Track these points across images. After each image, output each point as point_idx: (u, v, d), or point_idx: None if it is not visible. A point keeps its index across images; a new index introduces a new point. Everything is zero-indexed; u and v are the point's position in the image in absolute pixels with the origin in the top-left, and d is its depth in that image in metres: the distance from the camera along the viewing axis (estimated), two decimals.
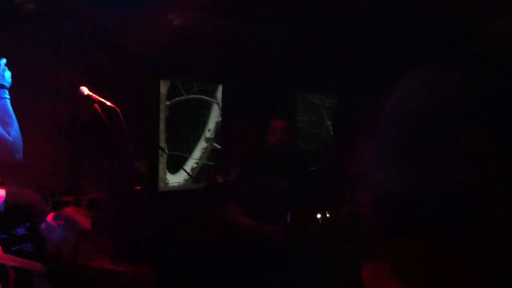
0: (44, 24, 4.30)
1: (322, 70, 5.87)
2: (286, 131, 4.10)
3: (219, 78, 6.39)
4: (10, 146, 2.24)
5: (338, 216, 3.77)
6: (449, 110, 1.20)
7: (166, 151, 6.09)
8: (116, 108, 3.46)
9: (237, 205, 3.89)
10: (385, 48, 4.40)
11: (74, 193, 4.76)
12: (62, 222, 3.52)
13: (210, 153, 6.63)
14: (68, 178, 4.92)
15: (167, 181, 6.29)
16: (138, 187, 4.59)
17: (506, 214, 1.14)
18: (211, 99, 6.64)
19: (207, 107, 6.63)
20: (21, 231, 3.48)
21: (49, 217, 3.56)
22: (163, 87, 6.19)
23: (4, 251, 3.37)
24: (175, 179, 6.32)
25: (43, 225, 3.53)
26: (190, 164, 6.50)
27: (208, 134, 6.66)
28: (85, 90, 3.42)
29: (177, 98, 6.38)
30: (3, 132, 2.21)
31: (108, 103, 3.48)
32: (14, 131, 2.27)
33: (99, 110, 3.50)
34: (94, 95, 3.44)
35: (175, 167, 6.24)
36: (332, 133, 7.38)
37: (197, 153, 6.60)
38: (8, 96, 2.36)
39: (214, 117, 6.67)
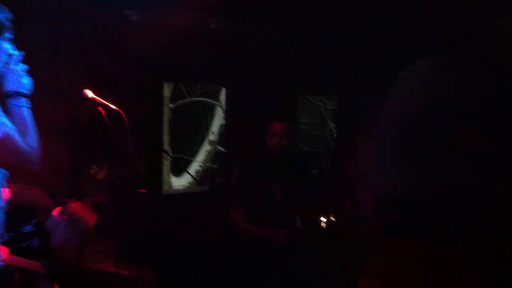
0: (45, 24, 4.31)
1: (324, 71, 5.87)
2: (285, 133, 4.08)
3: (222, 81, 6.39)
4: (26, 156, 2.23)
5: (341, 217, 3.77)
6: (449, 110, 1.20)
7: (170, 154, 6.09)
8: (120, 111, 3.47)
9: (239, 208, 3.88)
10: (386, 48, 4.40)
11: (76, 196, 4.76)
12: (66, 217, 3.51)
13: (214, 156, 6.63)
14: (69, 181, 4.93)
15: (171, 183, 6.29)
16: (142, 190, 4.60)
17: (506, 214, 1.14)
18: (215, 102, 6.65)
19: (211, 110, 6.63)
20: (28, 228, 3.50)
21: (55, 212, 3.55)
22: (167, 90, 6.20)
23: (13, 249, 3.38)
24: (179, 182, 6.33)
25: (48, 220, 3.53)
26: (194, 167, 6.50)
27: (211, 136, 6.66)
28: (89, 93, 3.43)
29: (181, 101, 6.38)
30: (20, 142, 2.20)
31: (112, 106, 3.49)
32: (32, 141, 2.26)
33: (103, 113, 3.50)
34: (98, 98, 3.44)
35: (179, 170, 6.24)
36: (335, 135, 7.37)
37: (201, 156, 6.60)
38: (26, 105, 2.34)
39: (218, 119, 6.67)
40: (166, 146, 6.11)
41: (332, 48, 5.52)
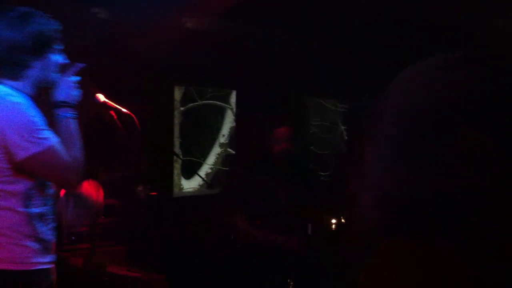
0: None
1: (334, 74, 5.87)
2: (290, 138, 4.01)
3: (232, 84, 6.41)
4: (69, 168, 2.25)
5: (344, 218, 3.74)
6: (449, 110, 1.20)
7: (181, 157, 6.11)
8: (132, 115, 3.48)
9: (246, 213, 3.85)
10: (398, 52, 4.39)
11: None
12: (73, 197, 3.54)
13: (224, 159, 6.65)
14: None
15: (181, 186, 6.32)
16: (153, 193, 4.62)
17: (506, 214, 1.14)
18: (225, 105, 6.67)
19: (221, 113, 6.66)
20: None
21: (61, 193, 3.58)
22: (177, 93, 6.23)
23: None
24: (190, 185, 6.35)
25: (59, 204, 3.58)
26: (204, 170, 6.53)
27: (222, 139, 6.68)
28: (101, 97, 3.45)
29: (191, 104, 6.41)
30: (64, 155, 2.22)
31: (124, 110, 3.50)
32: (76, 152, 2.28)
33: (115, 117, 3.52)
34: (110, 102, 3.46)
35: (189, 172, 6.27)
36: (346, 137, 7.37)
37: (211, 159, 6.63)
38: (73, 115, 2.37)
39: (228, 122, 6.69)
40: (177, 149, 6.14)
41: (343, 50, 5.52)
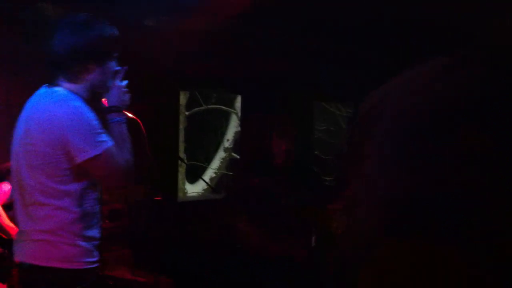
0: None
1: (339, 78, 5.86)
2: (291, 149, 3.91)
3: (237, 88, 6.42)
4: (122, 170, 2.32)
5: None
6: (449, 110, 1.20)
7: (185, 161, 6.12)
8: (138, 119, 3.49)
9: (250, 220, 3.83)
10: (398, 52, 4.38)
11: None
12: None
13: (228, 163, 6.65)
14: None
15: (186, 191, 6.32)
16: (158, 198, 4.61)
17: (506, 214, 1.14)
18: (230, 109, 6.68)
19: (226, 117, 6.67)
20: None
21: None
22: (183, 98, 6.25)
23: None
24: (194, 189, 6.35)
25: None
26: (208, 174, 6.53)
27: (226, 144, 6.69)
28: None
29: (196, 109, 6.42)
30: (118, 157, 2.29)
31: (130, 115, 3.51)
32: (127, 155, 2.35)
33: None
34: None
35: (194, 177, 6.27)
36: (348, 141, 7.34)
37: (215, 163, 6.63)
38: (124, 119, 2.45)
39: (233, 127, 6.70)
40: (182, 153, 6.15)
41: (347, 53, 5.51)
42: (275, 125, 4.00)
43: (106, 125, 2.39)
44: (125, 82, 2.49)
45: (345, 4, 4.21)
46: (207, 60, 5.32)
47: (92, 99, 2.38)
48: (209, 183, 6.09)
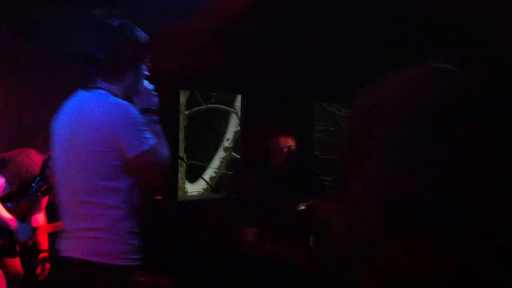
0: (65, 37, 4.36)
1: (339, 78, 5.86)
2: (291, 149, 3.89)
3: (237, 88, 6.41)
4: (165, 165, 2.44)
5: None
6: (449, 110, 1.20)
7: (185, 160, 6.12)
8: None
9: (250, 222, 3.81)
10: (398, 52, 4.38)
11: None
12: None
13: (228, 163, 6.65)
14: None
15: (186, 190, 6.32)
16: (158, 197, 4.62)
17: (506, 214, 1.14)
18: (230, 109, 6.68)
19: (226, 117, 6.67)
20: (35, 185, 3.65)
21: (51, 161, 3.71)
22: (183, 97, 6.25)
23: (31, 204, 3.81)
24: (194, 188, 6.36)
25: (47, 169, 3.69)
26: (208, 174, 6.54)
27: (226, 143, 6.69)
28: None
29: (196, 108, 6.43)
30: (161, 152, 2.40)
31: None
32: (167, 152, 2.46)
33: None
34: None
35: (194, 176, 6.28)
36: (348, 141, 7.33)
37: (215, 162, 6.64)
38: (157, 119, 2.57)
39: (233, 126, 6.70)
40: (182, 153, 6.14)
41: (348, 53, 5.51)
42: (275, 125, 3.98)
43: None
44: (152, 86, 2.63)
45: (345, 4, 4.20)
46: (207, 60, 5.32)
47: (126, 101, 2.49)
48: (209, 183, 6.10)
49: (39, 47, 4.30)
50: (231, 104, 6.65)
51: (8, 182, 3.57)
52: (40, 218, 4.03)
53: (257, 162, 3.87)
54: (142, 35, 2.51)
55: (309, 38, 5.36)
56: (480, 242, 1.14)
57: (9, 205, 3.70)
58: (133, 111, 2.35)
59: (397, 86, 1.28)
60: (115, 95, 2.41)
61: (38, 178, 3.72)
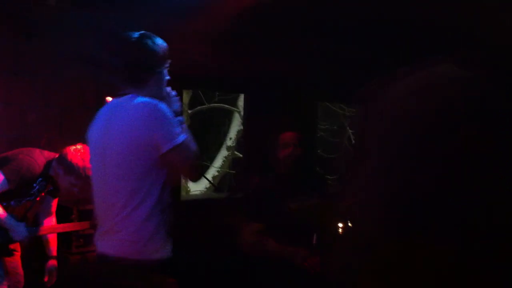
0: (70, 37, 4.36)
1: (342, 78, 5.85)
2: (297, 143, 3.94)
3: (240, 87, 6.41)
4: (195, 159, 2.61)
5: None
6: (449, 110, 1.19)
7: None
8: None
9: (254, 221, 3.81)
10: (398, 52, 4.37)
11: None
12: (63, 167, 3.69)
13: (231, 162, 6.65)
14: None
15: (188, 189, 6.33)
16: None
17: (506, 214, 1.14)
18: (232, 108, 6.68)
19: (228, 116, 6.67)
20: (36, 186, 3.67)
21: (55, 162, 3.72)
22: (185, 97, 6.25)
23: (33, 205, 3.81)
24: (197, 187, 6.36)
25: (50, 170, 3.71)
26: (211, 173, 6.54)
27: (229, 142, 6.69)
28: (110, 100, 3.50)
29: (199, 107, 6.43)
30: (192, 146, 2.56)
31: None
32: (195, 148, 2.62)
33: None
34: None
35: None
36: (353, 141, 7.35)
37: (218, 162, 6.64)
38: (183, 119, 2.72)
39: (235, 125, 6.70)
40: None
41: (350, 52, 5.50)
42: (278, 125, 4.00)
43: None
44: (175, 92, 2.78)
45: (345, 4, 4.21)
46: (210, 59, 5.32)
47: None
48: (212, 182, 6.10)
49: (39, 47, 4.31)
50: (234, 103, 6.66)
51: (7, 180, 3.57)
52: (50, 222, 4.01)
53: (260, 161, 3.89)
54: (162, 43, 2.66)
55: (314, 38, 5.36)
56: (480, 242, 1.14)
57: (12, 203, 3.71)
58: (163, 107, 2.48)
59: (397, 86, 1.28)
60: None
61: (40, 178, 3.72)
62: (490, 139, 1.16)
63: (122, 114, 2.51)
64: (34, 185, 3.72)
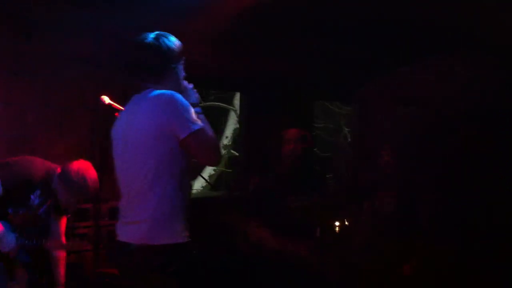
0: (71, 37, 4.35)
1: (340, 77, 5.85)
2: (300, 139, 4.00)
3: (236, 86, 6.40)
4: (215, 145, 2.67)
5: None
6: (449, 110, 1.21)
7: None
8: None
9: (256, 218, 3.82)
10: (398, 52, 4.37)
11: (94, 201, 4.78)
12: (63, 183, 3.65)
13: (227, 160, 6.66)
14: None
15: None
16: None
17: (506, 214, 1.15)
18: (229, 106, 6.68)
19: (224, 114, 6.66)
20: (35, 199, 3.63)
21: (56, 175, 3.67)
22: None
23: (33, 218, 3.69)
24: (193, 186, 6.36)
25: (53, 183, 3.66)
26: (207, 171, 6.54)
27: (225, 141, 6.69)
28: (106, 99, 3.48)
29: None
30: (210, 133, 2.59)
31: (120, 107, 3.54)
32: (214, 135, 2.67)
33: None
34: (115, 104, 3.49)
35: (193, 174, 6.26)
36: (349, 140, 7.36)
37: None
38: (201, 111, 2.79)
39: (232, 124, 6.70)
40: None
41: (347, 51, 5.50)
42: (278, 125, 4.03)
43: None
44: (192, 85, 2.84)
45: (345, 4, 4.22)
46: (205, 58, 5.32)
47: None
48: (208, 180, 6.10)
49: (39, 47, 4.30)
50: (230, 102, 6.65)
51: (1, 185, 3.50)
52: (57, 244, 3.90)
53: (258, 161, 3.91)
54: (176, 41, 2.78)
55: (308, 36, 5.36)
56: (480, 242, 1.15)
57: (10, 211, 3.66)
58: (180, 97, 2.57)
59: (397, 86, 1.29)
60: None
61: (39, 191, 3.65)
62: (490, 139, 1.17)
63: (142, 105, 2.64)
64: (31, 196, 3.65)
